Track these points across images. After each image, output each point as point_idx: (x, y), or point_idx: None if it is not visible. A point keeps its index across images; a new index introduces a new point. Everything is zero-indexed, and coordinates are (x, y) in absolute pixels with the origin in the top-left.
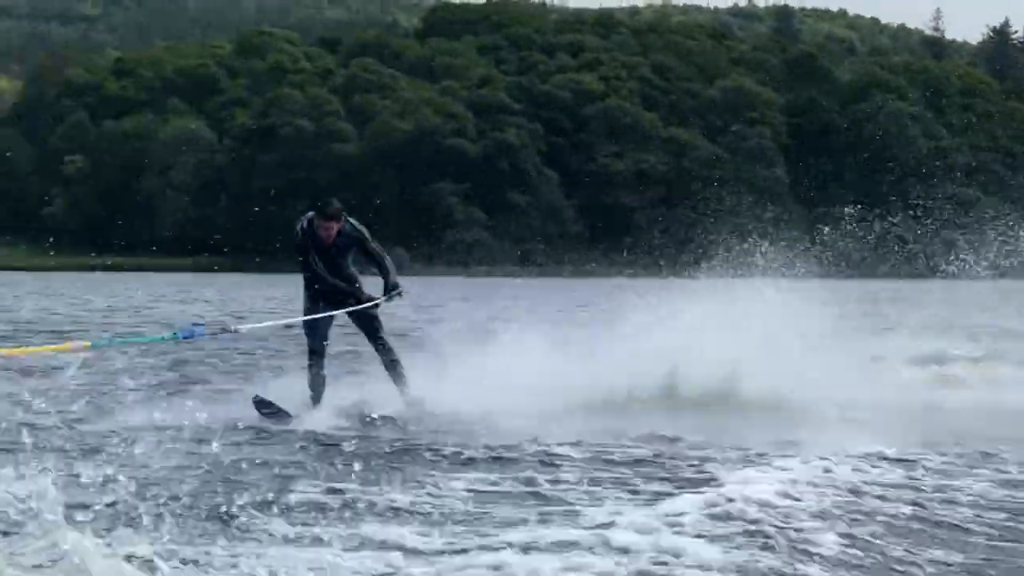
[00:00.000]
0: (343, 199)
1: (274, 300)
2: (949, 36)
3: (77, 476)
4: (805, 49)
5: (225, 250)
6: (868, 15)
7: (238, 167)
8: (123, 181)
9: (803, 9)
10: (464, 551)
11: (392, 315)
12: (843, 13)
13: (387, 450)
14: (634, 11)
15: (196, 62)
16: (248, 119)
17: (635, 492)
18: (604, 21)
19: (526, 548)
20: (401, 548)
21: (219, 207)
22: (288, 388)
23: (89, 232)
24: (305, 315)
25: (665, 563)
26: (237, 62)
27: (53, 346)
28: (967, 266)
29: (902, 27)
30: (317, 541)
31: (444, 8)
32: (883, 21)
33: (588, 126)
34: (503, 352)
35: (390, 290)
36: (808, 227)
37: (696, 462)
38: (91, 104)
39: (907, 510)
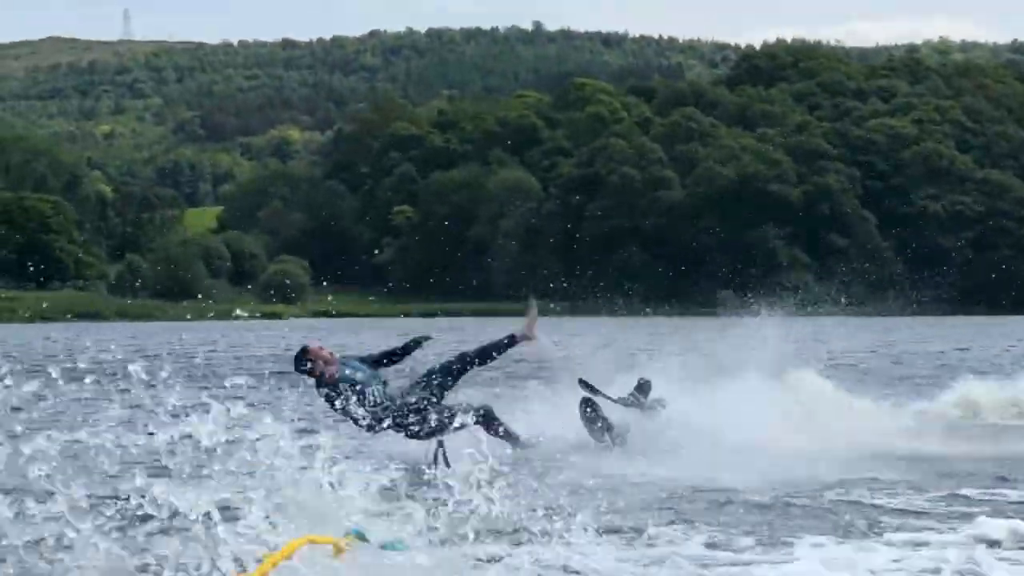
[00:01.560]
0: (670, 244)
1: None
2: None
3: None
4: None
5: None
6: None
7: (566, 215)
8: (452, 230)
9: None
10: None
11: None
12: None
13: None
14: (913, 48)
15: (517, 113)
16: (572, 168)
17: None
18: (912, 66)
19: None
20: None
21: (546, 254)
22: None
23: (418, 279)
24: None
25: None
26: (555, 112)
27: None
28: None
29: None
30: None
31: (753, 55)
32: None
33: (904, 169)
34: None
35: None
36: None
37: None
38: (415, 156)
39: None
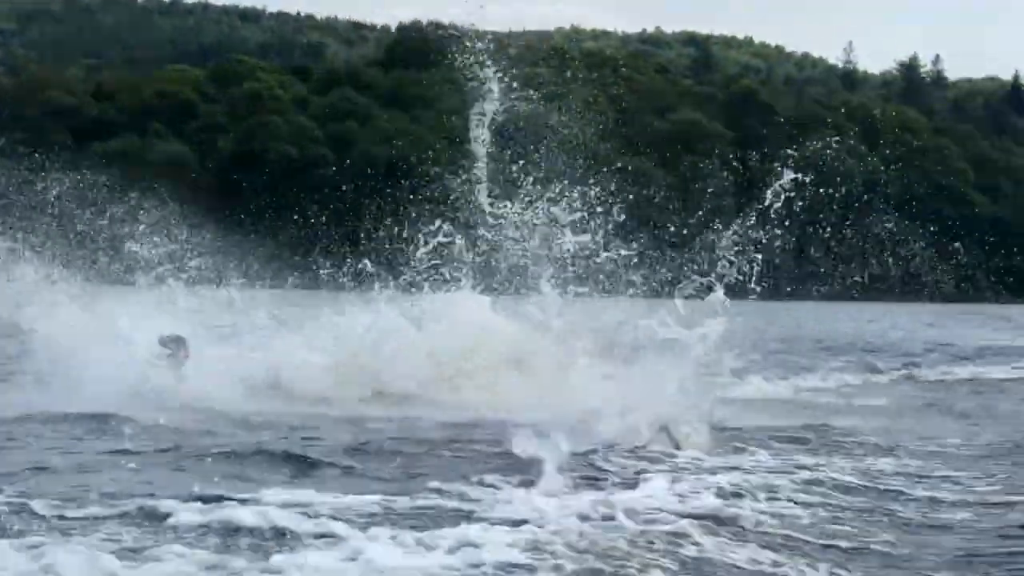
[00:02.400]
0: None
1: None
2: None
3: None
4: (747, 84)
5: None
6: (773, 43)
7: (223, 189)
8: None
9: (710, 36)
10: None
11: None
12: (749, 41)
13: None
14: (546, 35)
15: (174, 87)
16: (231, 144)
17: None
18: (559, 55)
19: None
20: None
21: (205, 229)
22: None
23: None
24: None
25: None
26: (212, 88)
27: None
28: None
29: (807, 56)
30: None
31: (406, 39)
32: (787, 50)
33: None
34: None
35: None
36: None
37: None
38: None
39: None
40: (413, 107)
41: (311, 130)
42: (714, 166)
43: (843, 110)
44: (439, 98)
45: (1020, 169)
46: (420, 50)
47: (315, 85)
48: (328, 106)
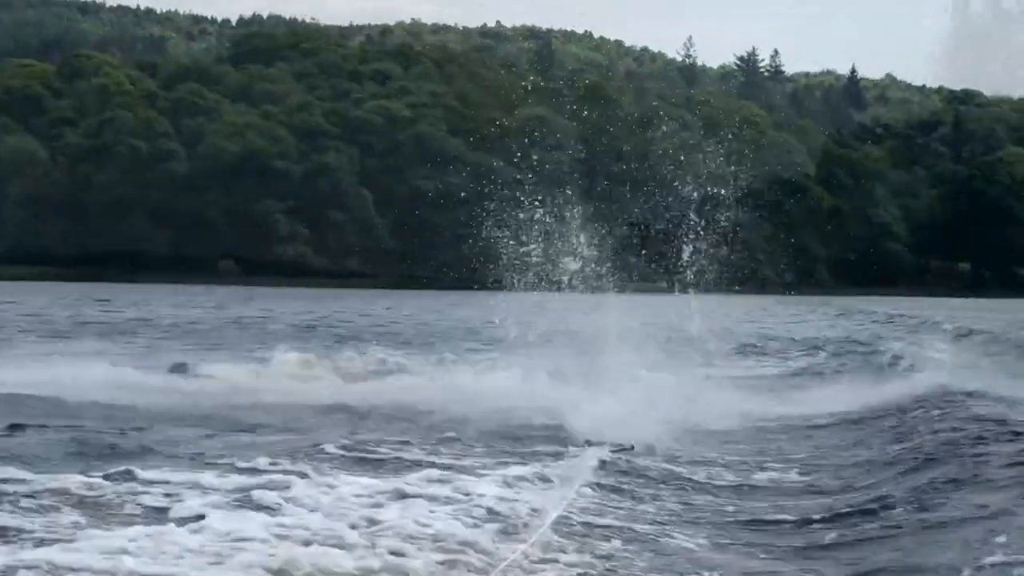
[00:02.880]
0: (176, 215)
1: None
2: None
3: None
4: (593, 80)
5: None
6: (612, 37)
7: (73, 184)
8: None
9: (551, 31)
10: None
11: None
12: (589, 35)
13: None
14: (387, 30)
15: (20, 81)
16: (80, 138)
17: None
18: (405, 51)
19: None
20: None
21: (53, 221)
22: None
23: None
24: None
25: None
26: (60, 83)
27: None
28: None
29: (646, 50)
30: None
31: (254, 36)
32: (627, 44)
33: (400, 150)
34: None
35: None
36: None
37: None
38: None
39: None
40: (262, 102)
41: (161, 124)
42: (561, 160)
43: (685, 105)
44: (287, 93)
45: (858, 161)
46: (266, 47)
47: (162, 80)
48: (176, 100)
